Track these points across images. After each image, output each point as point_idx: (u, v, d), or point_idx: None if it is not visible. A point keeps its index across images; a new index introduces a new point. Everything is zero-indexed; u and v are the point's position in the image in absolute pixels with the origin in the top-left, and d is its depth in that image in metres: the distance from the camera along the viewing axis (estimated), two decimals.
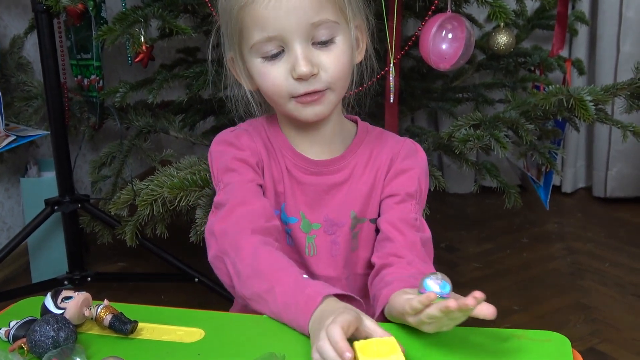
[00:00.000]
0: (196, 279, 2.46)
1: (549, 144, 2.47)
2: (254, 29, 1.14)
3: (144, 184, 2.03)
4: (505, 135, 2.16)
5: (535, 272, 2.88)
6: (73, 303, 1.00)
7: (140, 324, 1.03)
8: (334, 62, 1.16)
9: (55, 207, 2.50)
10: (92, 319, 1.01)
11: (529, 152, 2.41)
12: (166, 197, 1.80)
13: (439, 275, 0.91)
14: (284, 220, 1.27)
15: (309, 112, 1.18)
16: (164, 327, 1.04)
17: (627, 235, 3.19)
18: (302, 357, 0.94)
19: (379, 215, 1.28)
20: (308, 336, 0.97)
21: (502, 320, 2.47)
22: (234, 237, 1.13)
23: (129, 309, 1.05)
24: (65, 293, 1.02)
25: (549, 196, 2.85)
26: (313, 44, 1.15)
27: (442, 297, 0.88)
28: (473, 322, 0.93)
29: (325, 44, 1.15)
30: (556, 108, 2.14)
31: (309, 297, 0.99)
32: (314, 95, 1.16)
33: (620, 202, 3.59)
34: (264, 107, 1.29)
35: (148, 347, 0.99)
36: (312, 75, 1.14)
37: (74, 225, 2.58)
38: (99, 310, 1.01)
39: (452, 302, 0.85)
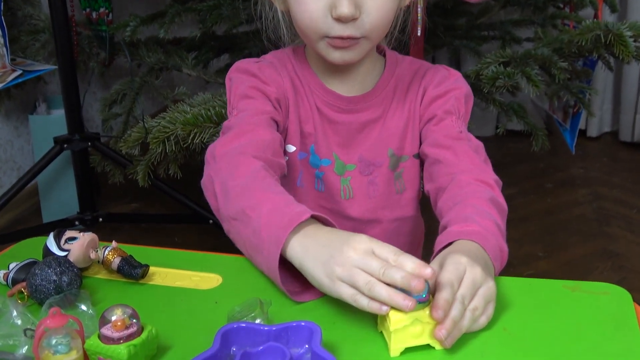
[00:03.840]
0: (210, 221, 2.39)
1: (581, 84, 2.34)
2: None
3: (155, 121, 1.94)
4: (536, 73, 2.04)
5: (559, 218, 2.79)
6: (78, 244, 0.91)
7: (152, 269, 0.94)
8: (380, 6, 1.02)
9: (65, 145, 2.43)
10: (98, 262, 0.92)
11: (561, 92, 2.29)
12: (179, 134, 1.71)
13: None
14: (315, 164, 1.17)
15: (337, 56, 1.07)
16: (177, 272, 0.95)
17: None
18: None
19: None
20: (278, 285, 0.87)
21: (525, 267, 2.39)
22: (233, 157, 1.01)
23: (139, 252, 0.96)
24: (69, 233, 0.93)
25: (575, 140, 2.74)
26: None
27: (419, 303, 0.76)
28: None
29: None
30: (592, 44, 2.02)
31: (296, 213, 0.87)
32: (347, 42, 1.05)
33: None
34: (293, 32, 1.17)
35: (160, 294, 0.90)
36: (353, 19, 1.02)
37: (85, 165, 2.51)
38: (107, 252, 0.92)
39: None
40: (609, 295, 0.85)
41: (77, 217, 2.51)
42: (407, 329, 0.76)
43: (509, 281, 0.90)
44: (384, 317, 0.77)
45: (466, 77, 2.23)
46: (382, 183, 1.18)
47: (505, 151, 3.48)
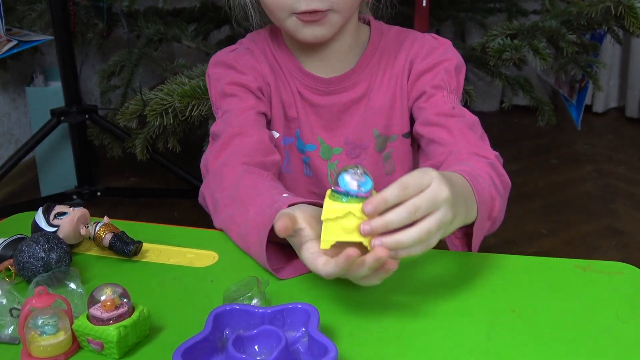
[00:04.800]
0: None
1: (589, 57, 2.29)
2: None
3: (153, 94, 1.89)
4: (544, 46, 1.99)
5: (564, 195, 2.75)
6: (68, 220, 0.88)
7: (145, 245, 0.90)
8: None
9: (62, 118, 2.39)
10: (89, 238, 0.89)
11: (569, 66, 2.24)
12: (177, 107, 1.67)
13: (360, 168, 0.72)
14: (300, 149, 1.13)
15: (307, 32, 1.02)
16: (172, 249, 0.92)
17: None
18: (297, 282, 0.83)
19: (412, 129, 1.13)
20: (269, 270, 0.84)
21: (528, 245, 2.36)
22: (219, 169, 1.00)
23: (132, 228, 0.93)
24: (59, 208, 0.89)
25: (581, 115, 2.69)
26: None
27: (357, 197, 0.70)
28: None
29: None
30: (601, 17, 1.97)
31: (275, 209, 0.83)
32: (314, 15, 1.00)
33: None
34: (262, 13, 1.11)
35: (153, 272, 0.87)
36: None
37: (82, 138, 2.47)
38: (98, 228, 0.88)
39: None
40: (622, 275, 0.81)
41: (75, 191, 2.47)
42: (339, 220, 0.71)
43: (517, 260, 0.87)
44: None
45: (472, 50, 2.19)
46: (369, 166, 1.12)
47: (509, 126, 3.43)
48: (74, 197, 2.47)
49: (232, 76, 1.08)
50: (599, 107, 3.57)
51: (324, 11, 0.99)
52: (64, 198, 2.45)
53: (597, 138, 3.33)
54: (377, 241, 0.70)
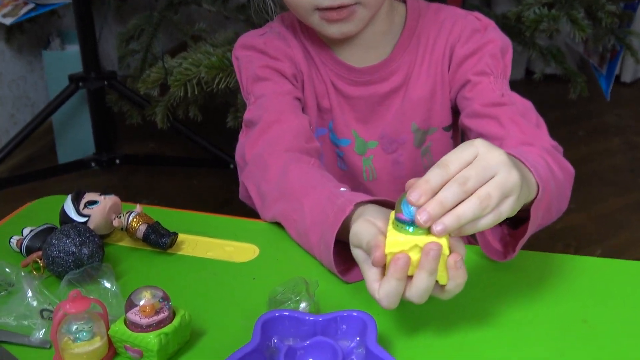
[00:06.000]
0: (231, 165, 2.30)
1: (627, 29, 2.20)
2: None
3: (176, 61, 1.83)
4: (582, 17, 1.91)
5: (592, 168, 2.68)
6: (99, 209, 0.82)
7: (180, 236, 0.84)
8: None
9: (80, 84, 2.33)
10: (122, 229, 0.83)
11: (606, 37, 2.15)
12: (202, 78, 1.60)
13: None
14: (334, 142, 1.05)
15: (334, 30, 0.95)
16: (209, 241, 0.86)
17: None
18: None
19: (454, 121, 1.04)
20: (334, 273, 0.77)
21: (557, 221, 2.29)
22: (262, 158, 0.93)
23: (164, 215, 0.87)
24: (89, 196, 0.83)
25: (611, 86, 2.61)
26: None
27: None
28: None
29: None
30: None
31: (338, 208, 0.77)
32: (341, 12, 0.92)
33: None
34: (283, 6, 1.01)
35: (190, 266, 0.81)
36: None
37: (101, 104, 2.42)
38: (131, 219, 0.82)
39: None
40: None
41: (93, 158, 2.43)
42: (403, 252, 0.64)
43: (582, 261, 0.81)
44: None
45: (505, 19, 2.10)
46: (407, 162, 1.05)
47: (536, 96, 3.31)
48: (93, 164, 2.42)
49: (265, 61, 1.00)
50: (627, 77, 3.47)
51: (350, 6, 0.91)
52: (82, 165, 2.41)
53: (626, 109, 3.23)
54: (438, 226, 0.62)
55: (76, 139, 2.59)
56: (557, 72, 2.30)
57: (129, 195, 2.45)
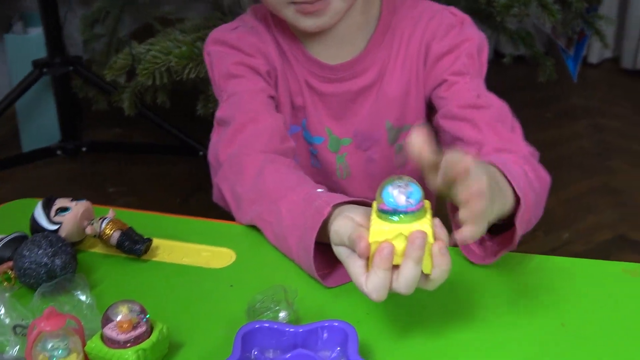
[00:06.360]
0: (201, 153, 2.27)
1: (596, 13, 2.21)
2: None
3: (143, 48, 1.79)
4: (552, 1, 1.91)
5: (560, 152, 2.70)
6: (70, 217, 0.80)
7: (155, 241, 0.82)
8: None
9: (44, 70, 2.27)
10: (95, 236, 0.82)
11: (575, 22, 2.16)
12: (172, 67, 1.57)
13: (404, 178, 0.65)
14: (308, 140, 1.04)
15: (309, 23, 0.93)
16: (184, 245, 0.85)
17: None
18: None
19: (429, 118, 1.03)
20: (315, 279, 0.76)
21: None
22: (237, 159, 0.91)
23: (138, 219, 0.85)
24: (60, 203, 0.81)
25: (578, 68, 2.63)
26: None
27: (407, 213, 0.63)
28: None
29: None
30: None
31: (316, 210, 0.76)
32: (316, 4, 0.90)
33: None
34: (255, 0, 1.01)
35: (166, 273, 0.79)
36: None
37: (66, 90, 2.36)
38: (104, 225, 0.80)
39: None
40: None
41: (58, 146, 2.38)
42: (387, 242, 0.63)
43: (562, 262, 0.81)
44: None
45: (475, 2, 2.09)
46: (381, 160, 1.03)
47: (502, 78, 3.33)
48: (58, 151, 2.37)
49: (238, 57, 0.98)
50: (593, 58, 3.49)
51: None
52: (47, 153, 2.36)
53: (592, 91, 3.26)
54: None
55: (41, 126, 2.53)
56: (525, 53, 2.31)
57: (96, 183, 2.41)
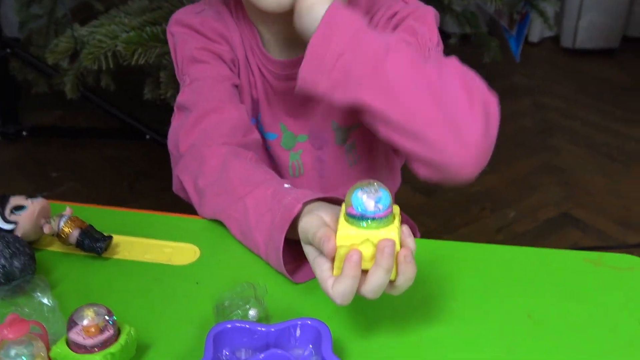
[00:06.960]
0: (147, 136, 2.22)
1: None
2: None
3: (86, 31, 1.73)
4: None
5: (503, 130, 2.70)
6: (27, 215, 0.76)
7: (116, 238, 0.80)
8: None
9: None
10: (53, 235, 0.79)
11: (520, 4, 2.19)
12: (119, 51, 1.52)
13: (374, 184, 0.64)
14: (262, 135, 1.01)
15: (270, 1, 0.86)
16: (145, 242, 0.82)
17: (597, 91, 3.06)
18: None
19: None
20: (283, 274, 0.76)
21: (470, 184, 2.34)
22: (199, 150, 0.88)
23: (96, 215, 0.82)
24: (14, 201, 0.77)
25: (520, 47, 2.67)
26: None
27: (375, 219, 0.62)
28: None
29: None
30: None
31: (285, 208, 0.75)
32: None
33: (588, 54, 3.42)
34: None
35: (129, 271, 0.77)
36: None
37: (4, 73, 2.28)
38: (62, 224, 0.77)
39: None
40: (634, 271, 0.77)
41: None
42: (355, 247, 0.63)
43: (525, 252, 0.82)
44: None
45: None
46: (330, 160, 1.01)
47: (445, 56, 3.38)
48: None
49: (203, 42, 0.94)
50: (534, 37, 3.55)
51: None
52: None
53: (534, 69, 3.32)
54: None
55: None
56: (467, 31, 2.33)
57: (39, 168, 2.34)
